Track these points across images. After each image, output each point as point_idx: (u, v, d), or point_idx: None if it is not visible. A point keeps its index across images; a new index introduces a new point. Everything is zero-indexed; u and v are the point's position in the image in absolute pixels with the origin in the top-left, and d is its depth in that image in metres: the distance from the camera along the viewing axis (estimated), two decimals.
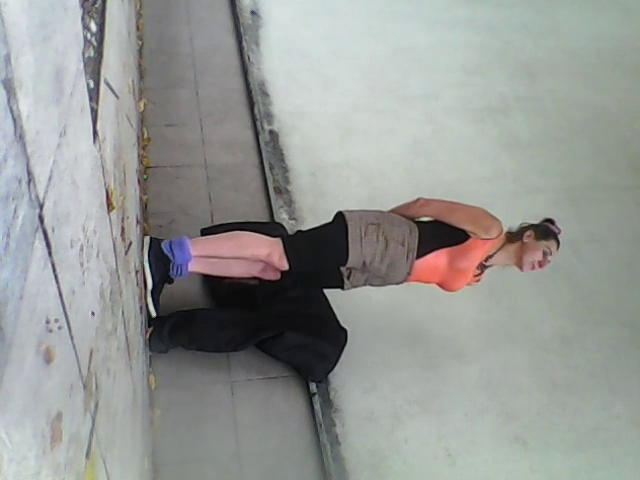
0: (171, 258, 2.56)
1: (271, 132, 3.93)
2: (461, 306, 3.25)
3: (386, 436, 2.69)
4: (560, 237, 2.59)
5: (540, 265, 2.53)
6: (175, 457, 2.44)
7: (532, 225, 2.60)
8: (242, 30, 4.60)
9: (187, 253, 2.54)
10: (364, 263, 2.51)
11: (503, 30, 5.33)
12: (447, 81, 4.66)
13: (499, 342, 3.13)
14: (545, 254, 2.51)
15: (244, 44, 4.47)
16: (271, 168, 3.65)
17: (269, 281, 2.71)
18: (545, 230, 2.56)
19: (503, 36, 5.26)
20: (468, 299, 3.28)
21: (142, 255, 2.50)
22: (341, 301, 3.01)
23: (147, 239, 2.59)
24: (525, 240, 2.54)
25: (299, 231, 2.74)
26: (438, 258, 2.55)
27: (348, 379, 2.84)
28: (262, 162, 3.66)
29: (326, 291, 3.01)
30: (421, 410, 2.80)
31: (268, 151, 3.76)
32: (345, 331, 2.87)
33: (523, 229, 2.59)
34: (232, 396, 2.66)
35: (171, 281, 2.68)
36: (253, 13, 4.91)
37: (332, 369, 2.81)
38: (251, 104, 4.03)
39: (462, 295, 3.28)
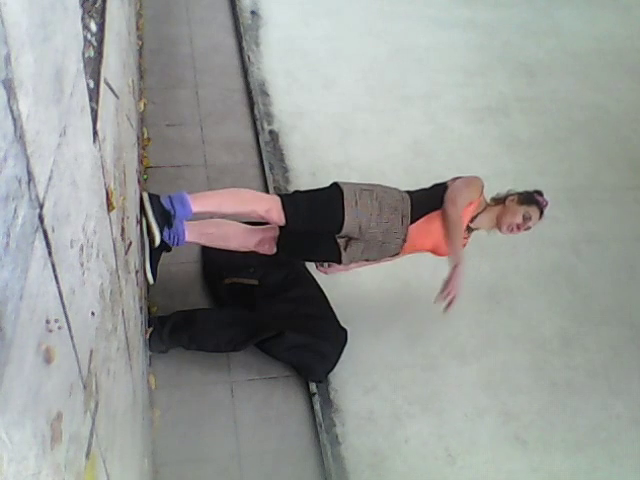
0: (172, 213, 2.46)
1: (271, 132, 3.93)
2: (461, 306, 3.25)
3: (386, 436, 2.69)
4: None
5: (518, 228, 2.62)
6: (175, 457, 2.44)
7: (518, 192, 2.70)
8: (242, 30, 4.60)
9: (188, 209, 2.47)
10: (360, 228, 2.51)
11: (503, 30, 5.33)
12: (447, 81, 4.66)
13: (499, 342, 3.13)
14: (525, 218, 2.59)
15: (244, 44, 4.47)
16: (271, 168, 3.65)
17: (265, 255, 2.74)
18: (529, 197, 2.65)
19: (503, 36, 5.27)
20: (468, 299, 3.28)
21: (145, 212, 2.39)
22: (341, 301, 3.01)
23: (145, 195, 2.48)
24: (507, 203, 2.65)
25: (297, 191, 2.74)
26: (430, 222, 2.59)
27: (348, 379, 2.84)
28: (262, 162, 3.66)
29: (326, 291, 3.01)
30: (421, 410, 2.80)
31: (268, 151, 3.76)
32: (345, 331, 2.87)
33: (508, 194, 2.70)
34: (232, 396, 2.66)
35: (169, 249, 2.61)
36: (253, 13, 4.91)
37: (332, 369, 2.81)
38: (251, 104, 4.03)
39: (462, 295, 3.28)
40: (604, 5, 5.92)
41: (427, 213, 2.59)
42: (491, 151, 4.17)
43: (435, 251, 2.72)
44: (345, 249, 2.59)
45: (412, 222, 2.57)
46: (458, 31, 5.17)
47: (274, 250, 2.71)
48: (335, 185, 2.57)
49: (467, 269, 3.32)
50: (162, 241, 2.52)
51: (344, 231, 2.52)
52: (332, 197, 2.53)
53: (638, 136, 4.53)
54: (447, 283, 2.54)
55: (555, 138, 4.38)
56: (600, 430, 2.88)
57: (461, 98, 4.54)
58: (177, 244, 2.59)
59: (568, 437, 2.83)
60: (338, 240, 2.58)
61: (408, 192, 2.65)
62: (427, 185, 2.73)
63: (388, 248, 2.61)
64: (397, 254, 2.66)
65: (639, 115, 4.70)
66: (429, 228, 2.60)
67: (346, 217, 2.48)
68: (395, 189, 2.64)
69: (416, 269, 3.20)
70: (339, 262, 2.65)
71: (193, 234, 2.63)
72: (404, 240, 2.58)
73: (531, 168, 4.09)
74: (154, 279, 2.55)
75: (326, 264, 2.80)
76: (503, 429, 2.81)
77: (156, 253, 2.55)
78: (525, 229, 2.64)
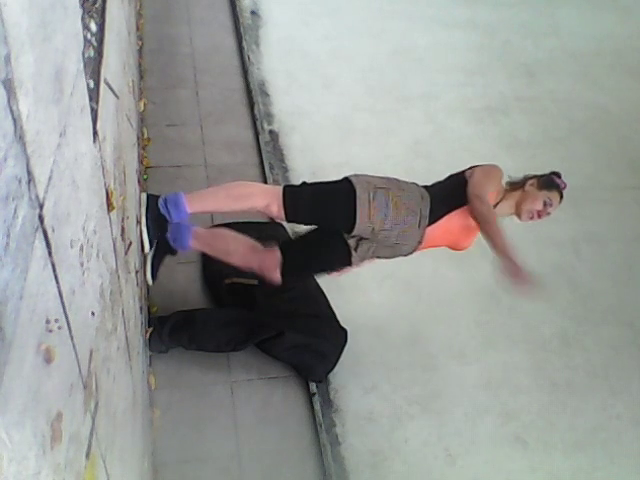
0: (167, 217, 2.40)
1: (271, 132, 3.93)
2: (461, 306, 3.25)
3: (386, 436, 2.69)
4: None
5: (539, 215, 2.42)
6: (175, 457, 2.44)
7: (536, 175, 2.52)
8: (242, 30, 4.60)
9: (183, 211, 2.39)
10: (373, 230, 2.34)
11: (503, 30, 5.33)
12: (447, 81, 4.66)
13: (499, 342, 3.13)
14: (545, 204, 2.41)
15: (244, 44, 4.47)
16: (271, 168, 3.65)
17: (267, 283, 2.59)
18: (548, 180, 2.47)
19: (503, 36, 5.27)
20: (468, 299, 3.29)
21: (139, 214, 2.34)
22: (341, 301, 3.01)
23: (144, 197, 2.43)
24: (527, 189, 2.45)
25: (304, 182, 2.52)
26: (450, 221, 2.42)
27: (348, 379, 2.84)
28: (262, 162, 3.66)
29: (326, 291, 3.01)
30: (421, 410, 2.80)
31: (268, 151, 3.76)
32: (345, 331, 2.87)
33: (526, 178, 2.51)
34: (232, 396, 2.66)
35: (174, 253, 2.58)
36: (253, 13, 4.91)
37: (332, 369, 2.81)
38: (251, 104, 4.03)
39: (462, 295, 3.29)
40: (604, 5, 5.92)
41: (447, 213, 2.40)
42: (491, 151, 4.17)
43: (453, 247, 2.59)
44: (355, 249, 2.44)
45: (430, 223, 2.39)
46: (458, 31, 5.17)
47: (277, 278, 2.50)
48: (347, 181, 2.38)
49: (466, 269, 3.34)
50: (167, 244, 2.51)
51: (355, 232, 2.36)
52: (341, 194, 2.35)
53: (638, 136, 4.53)
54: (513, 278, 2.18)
55: (555, 138, 4.38)
56: (600, 430, 2.88)
57: (461, 98, 4.54)
58: (182, 249, 2.55)
59: (568, 437, 2.83)
60: (348, 240, 2.42)
61: (426, 187, 2.47)
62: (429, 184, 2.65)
63: (401, 249, 2.46)
64: (411, 253, 2.51)
65: (639, 115, 4.70)
66: (448, 227, 2.43)
67: (358, 218, 2.30)
68: (414, 185, 2.45)
69: (416, 269, 3.20)
70: (349, 264, 2.50)
71: (198, 242, 2.56)
72: (419, 242, 2.41)
73: (531, 168, 4.03)
74: (153, 280, 2.55)
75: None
76: (503, 429, 2.81)
77: (159, 255, 2.54)
78: (545, 215, 2.43)
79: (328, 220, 2.44)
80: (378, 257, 2.53)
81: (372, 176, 2.45)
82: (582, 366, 3.11)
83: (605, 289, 3.49)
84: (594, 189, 4.06)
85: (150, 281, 2.54)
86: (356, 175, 2.43)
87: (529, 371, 3.04)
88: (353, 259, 2.46)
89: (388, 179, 2.46)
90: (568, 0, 5.89)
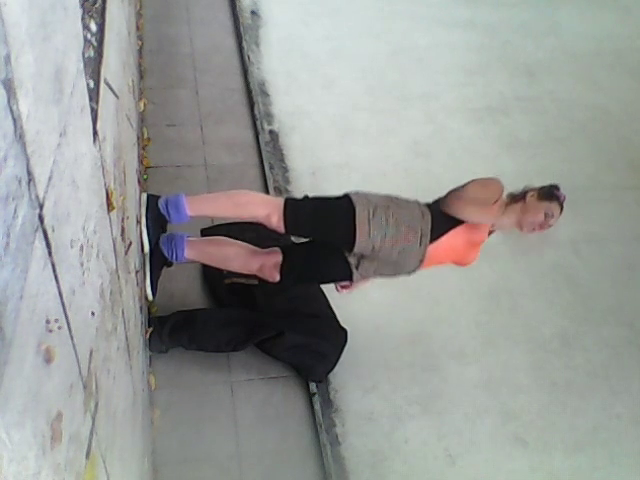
0: (167, 218, 2.42)
1: (271, 132, 3.93)
2: (461, 306, 3.26)
3: (386, 436, 2.69)
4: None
5: (541, 227, 2.38)
6: (175, 457, 2.44)
7: (536, 188, 2.48)
8: (242, 30, 4.61)
9: (183, 214, 2.40)
10: (373, 248, 2.33)
11: (503, 30, 5.33)
12: (447, 81, 4.66)
13: (499, 342, 3.13)
14: (547, 216, 2.38)
15: (244, 44, 4.47)
16: (271, 168, 3.65)
17: (267, 282, 2.62)
18: (548, 192, 2.44)
19: (503, 36, 5.27)
20: (468, 299, 3.29)
21: (139, 215, 2.35)
22: (341, 301, 3.01)
23: (144, 197, 2.44)
24: (527, 200, 2.42)
25: (306, 196, 2.51)
26: (454, 238, 2.40)
27: (348, 379, 2.84)
28: (262, 162, 3.66)
29: (326, 291, 3.01)
30: (421, 410, 2.80)
31: (268, 151, 3.76)
32: (345, 331, 2.87)
33: (526, 190, 2.48)
34: (232, 396, 2.66)
35: (170, 265, 2.60)
36: (253, 13, 4.91)
37: (332, 369, 2.81)
38: (251, 104, 4.03)
39: (462, 295, 3.29)
40: (604, 5, 5.92)
41: (449, 229, 2.38)
42: (491, 151, 4.17)
43: (458, 264, 2.59)
44: (357, 267, 2.44)
45: (432, 241, 2.36)
46: (458, 31, 5.18)
47: (277, 277, 2.54)
48: (347, 198, 2.37)
49: (466, 269, 3.33)
50: (163, 256, 2.52)
51: (356, 250, 2.34)
52: (341, 211, 2.34)
53: (638, 136, 4.53)
54: None
55: (555, 138, 4.38)
56: (600, 430, 2.88)
57: (461, 98, 4.54)
58: (177, 260, 2.55)
59: (568, 437, 2.83)
60: (349, 259, 2.42)
61: (428, 205, 2.45)
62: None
63: (404, 268, 2.45)
64: (414, 271, 2.48)
65: (639, 115, 4.70)
66: (452, 244, 2.41)
67: (358, 236, 2.29)
68: (415, 203, 2.43)
69: None
70: (350, 280, 2.50)
71: (193, 252, 2.56)
72: (421, 260, 2.39)
73: (531, 168, 4.09)
74: (154, 296, 2.55)
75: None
76: (503, 429, 2.81)
77: (157, 269, 2.54)
78: (547, 227, 2.40)
79: (327, 236, 2.44)
80: (381, 275, 2.51)
81: (372, 194, 2.44)
82: (582, 366, 3.11)
83: (605, 289, 3.49)
84: (594, 189, 4.06)
85: (150, 296, 2.54)
86: (357, 192, 2.42)
87: (529, 371, 3.04)
88: (354, 276, 2.46)
89: (388, 197, 2.44)
90: (568, 0, 5.89)
